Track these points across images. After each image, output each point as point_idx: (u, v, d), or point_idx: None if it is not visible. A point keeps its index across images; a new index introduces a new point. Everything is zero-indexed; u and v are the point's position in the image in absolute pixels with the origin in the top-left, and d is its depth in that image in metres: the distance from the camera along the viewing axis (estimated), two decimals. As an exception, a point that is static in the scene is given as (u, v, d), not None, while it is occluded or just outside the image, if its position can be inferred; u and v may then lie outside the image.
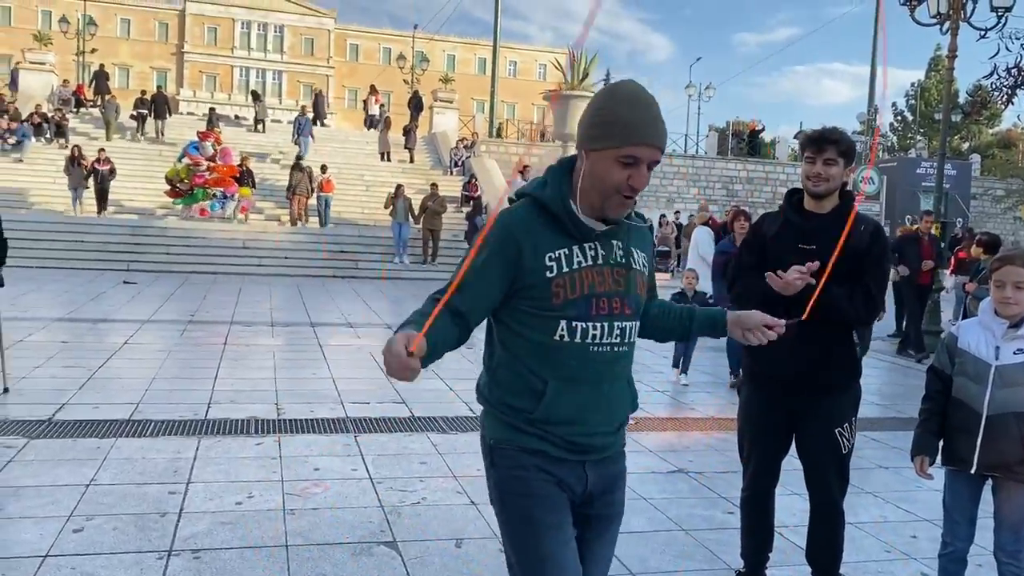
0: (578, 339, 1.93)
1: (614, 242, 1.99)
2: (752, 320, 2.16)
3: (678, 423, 6.48)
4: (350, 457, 5.05)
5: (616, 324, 1.97)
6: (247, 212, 20.62)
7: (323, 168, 21.47)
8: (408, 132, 27.29)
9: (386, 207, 19.17)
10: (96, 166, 20.06)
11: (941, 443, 3.09)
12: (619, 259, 1.99)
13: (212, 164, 19.70)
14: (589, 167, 1.91)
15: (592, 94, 16.99)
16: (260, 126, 27.73)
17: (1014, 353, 2.92)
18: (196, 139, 20.24)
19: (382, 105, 30.22)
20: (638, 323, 2.06)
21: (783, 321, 2.15)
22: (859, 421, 6.69)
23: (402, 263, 18.70)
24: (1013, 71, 11.77)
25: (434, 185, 19.56)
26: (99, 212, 20.14)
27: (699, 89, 42.61)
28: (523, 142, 33.68)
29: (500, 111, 47.57)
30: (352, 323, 11.05)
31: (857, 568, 3.75)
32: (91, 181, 20.02)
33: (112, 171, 20.16)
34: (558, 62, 22.12)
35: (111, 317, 10.38)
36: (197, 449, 5.01)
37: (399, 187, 19.21)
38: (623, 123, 1.86)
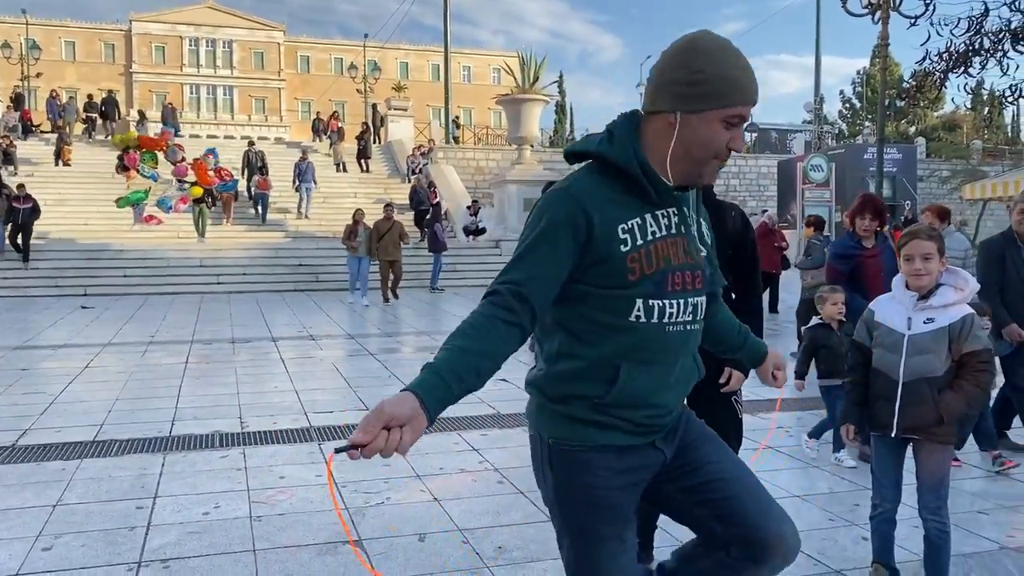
0: (655, 319, 1.75)
1: (685, 210, 1.83)
2: (768, 370, 2.24)
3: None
4: (314, 464, 5.16)
5: (690, 300, 1.81)
6: (187, 203, 20.70)
7: (261, 170, 22.48)
8: (361, 141, 27.25)
9: (347, 239, 15.23)
10: (15, 204, 17.24)
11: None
12: (691, 229, 1.84)
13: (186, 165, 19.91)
14: (686, 131, 1.71)
15: (540, 97, 16.81)
16: None
17: (924, 323, 3.13)
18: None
19: (340, 127, 29.71)
20: (706, 298, 1.90)
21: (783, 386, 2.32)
22: (807, 400, 6.95)
23: (359, 303, 15.01)
24: (944, 56, 12.16)
25: (388, 206, 16.39)
26: (24, 260, 17.22)
27: (650, 86, 43.00)
28: (480, 147, 33.84)
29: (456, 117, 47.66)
30: (313, 335, 11.11)
31: (801, 535, 3.94)
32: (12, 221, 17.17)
33: (35, 210, 17.47)
34: (508, 66, 22.29)
35: (70, 342, 10.34)
36: (163, 465, 5.09)
37: (359, 213, 15.57)
38: (730, 81, 1.69)
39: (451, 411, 6.53)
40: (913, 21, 11.69)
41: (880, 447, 3.28)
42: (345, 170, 26.62)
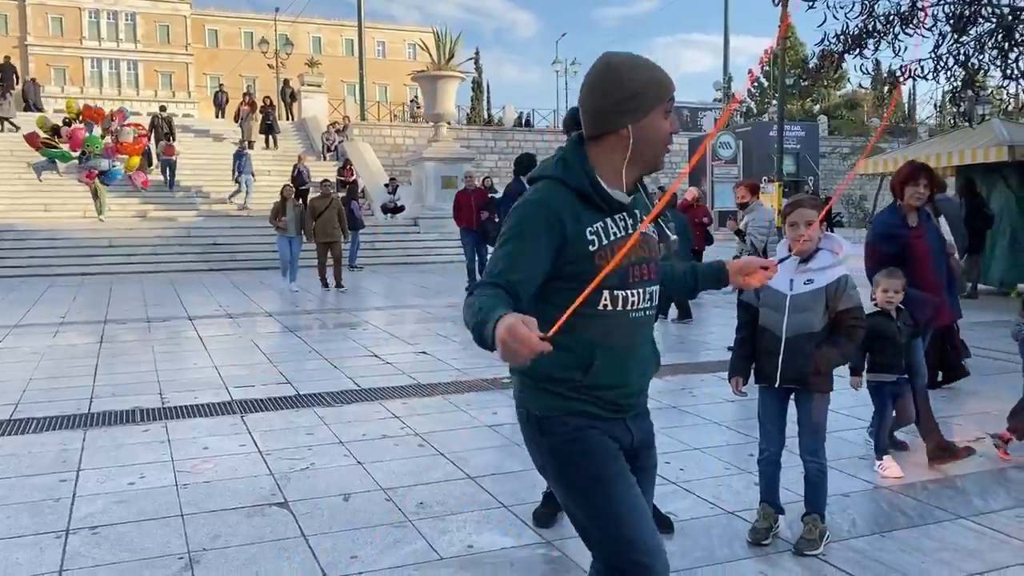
0: (620, 307, 2.00)
1: (636, 211, 2.09)
2: (751, 265, 2.29)
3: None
4: (238, 435, 5.27)
5: (647, 289, 2.07)
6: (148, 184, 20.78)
7: (163, 135, 22.71)
8: (267, 118, 26.63)
9: (275, 219, 13.57)
10: None
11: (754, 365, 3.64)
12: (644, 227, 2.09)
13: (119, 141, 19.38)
14: (640, 137, 1.98)
15: (457, 74, 16.84)
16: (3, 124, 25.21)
17: (804, 284, 3.47)
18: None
19: (254, 102, 28.69)
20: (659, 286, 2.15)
21: (775, 260, 2.37)
22: (709, 364, 7.36)
23: (292, 291, 13.55)
24: (841, 37, 12.76)
25: (326, 183, 14.75)
26: None
27: (565, 65, 43.48)
28: (396, 123, 33.64)
29: (371, 93, 47.23)
30: (231, 314, 11.06)
31: (700, 483, 4.29)
32: None
33: None
34: (423, 42, 22.24)
35: (-25, 325, 10.06)
36: (84, 440, 5.12)
37: (287, 189, 14.04)
38: (655, 81, 1.97)
39: (373, 382, 6.72)
40: (811, 4, 12.26)
41: (765, 397, 3.62)
42: (252, 147, 26.12)
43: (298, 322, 10.34)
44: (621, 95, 1.95)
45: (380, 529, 3.74)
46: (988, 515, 3.86)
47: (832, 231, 4.15)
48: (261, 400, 6.15)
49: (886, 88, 39.88)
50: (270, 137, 26.49)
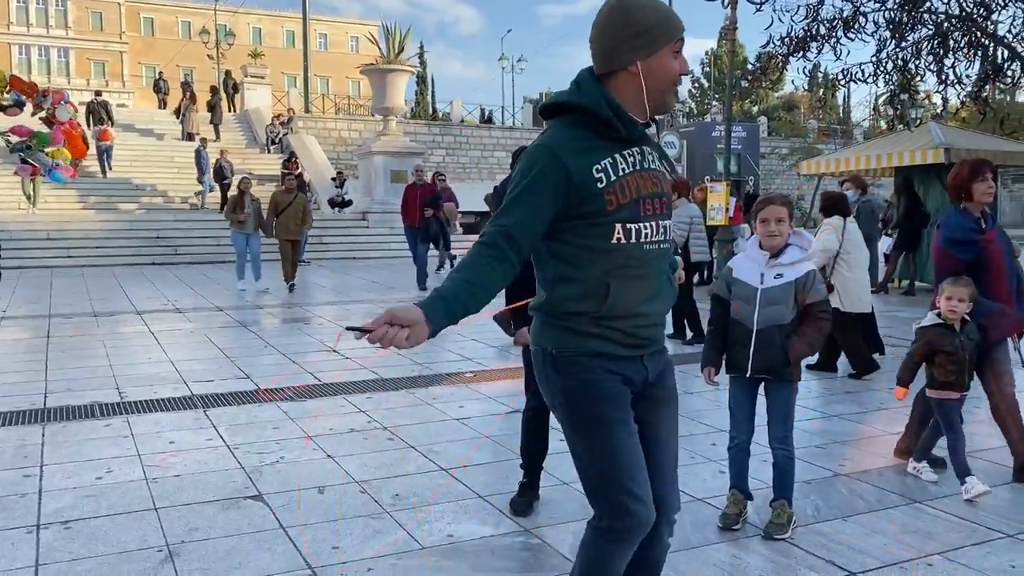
0: (633, 239, 2.03)
1: (646, 148, 2.12)
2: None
3: (511, 372, 6.99)
4: (203, 429, 5.21)
5: (660, 223, 2.10)
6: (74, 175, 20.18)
7: (100, 120, 22.43)
8: (212, 108, 26.21)
9: (233, 212, 12.71)
10: None
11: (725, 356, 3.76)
12: (653, 164, 2.12)
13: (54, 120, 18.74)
14: (649, 73, 2.01)
15: (407, 68, 16.76)
16: None
17: (774, 278, 3.60)
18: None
19: (193, 93, 28.12)
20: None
21: None
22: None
23: (250, 289, 12.88)
24: (786, 40, 13.10)
25: (289, 176, 13.97)
26: None
27: (512, 61, 43.62)
28: (342, 116, 33.31)
29: (314, 85, 46.60)
30: (180, 308, 10.87)
31: (668, 473, 4.40)
32: None
33: None
34: (372, 35, 22.08)
35: (-89, 319, 9.70)
36: (43, 435, 5.02)
37: (244, 182, 13.11)
38: (665, 19, 2.00)
39: (334, 376, 6.72)
40: (758, 7, 12.57)
41: (736, 387, 3.75)
42: (191, 139, 25.61)
43: (249, 317, 10.22)
44: (629, 31, 2.00)
45: (358, 520, 3.76)
46: (942, 499, 4.05)
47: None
48: (222, 394, 6.09)
49: (821, 91, 40.99)
50: (214, 128, 25.99)
